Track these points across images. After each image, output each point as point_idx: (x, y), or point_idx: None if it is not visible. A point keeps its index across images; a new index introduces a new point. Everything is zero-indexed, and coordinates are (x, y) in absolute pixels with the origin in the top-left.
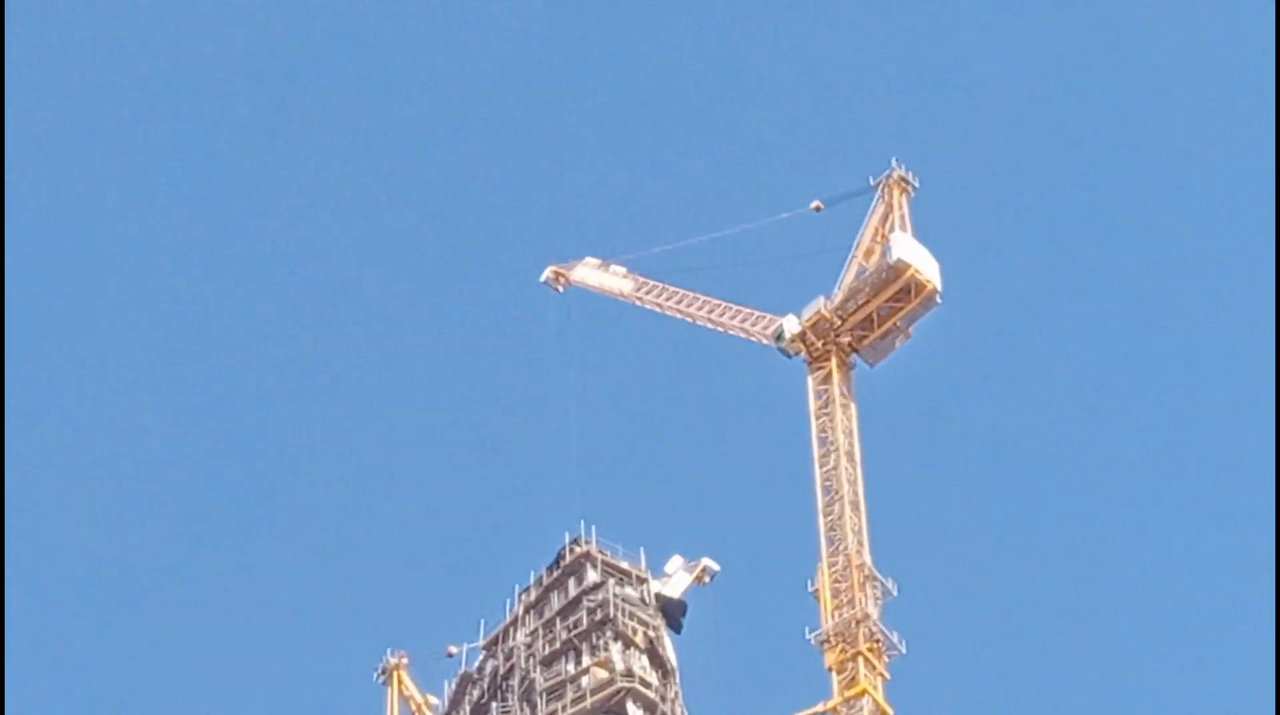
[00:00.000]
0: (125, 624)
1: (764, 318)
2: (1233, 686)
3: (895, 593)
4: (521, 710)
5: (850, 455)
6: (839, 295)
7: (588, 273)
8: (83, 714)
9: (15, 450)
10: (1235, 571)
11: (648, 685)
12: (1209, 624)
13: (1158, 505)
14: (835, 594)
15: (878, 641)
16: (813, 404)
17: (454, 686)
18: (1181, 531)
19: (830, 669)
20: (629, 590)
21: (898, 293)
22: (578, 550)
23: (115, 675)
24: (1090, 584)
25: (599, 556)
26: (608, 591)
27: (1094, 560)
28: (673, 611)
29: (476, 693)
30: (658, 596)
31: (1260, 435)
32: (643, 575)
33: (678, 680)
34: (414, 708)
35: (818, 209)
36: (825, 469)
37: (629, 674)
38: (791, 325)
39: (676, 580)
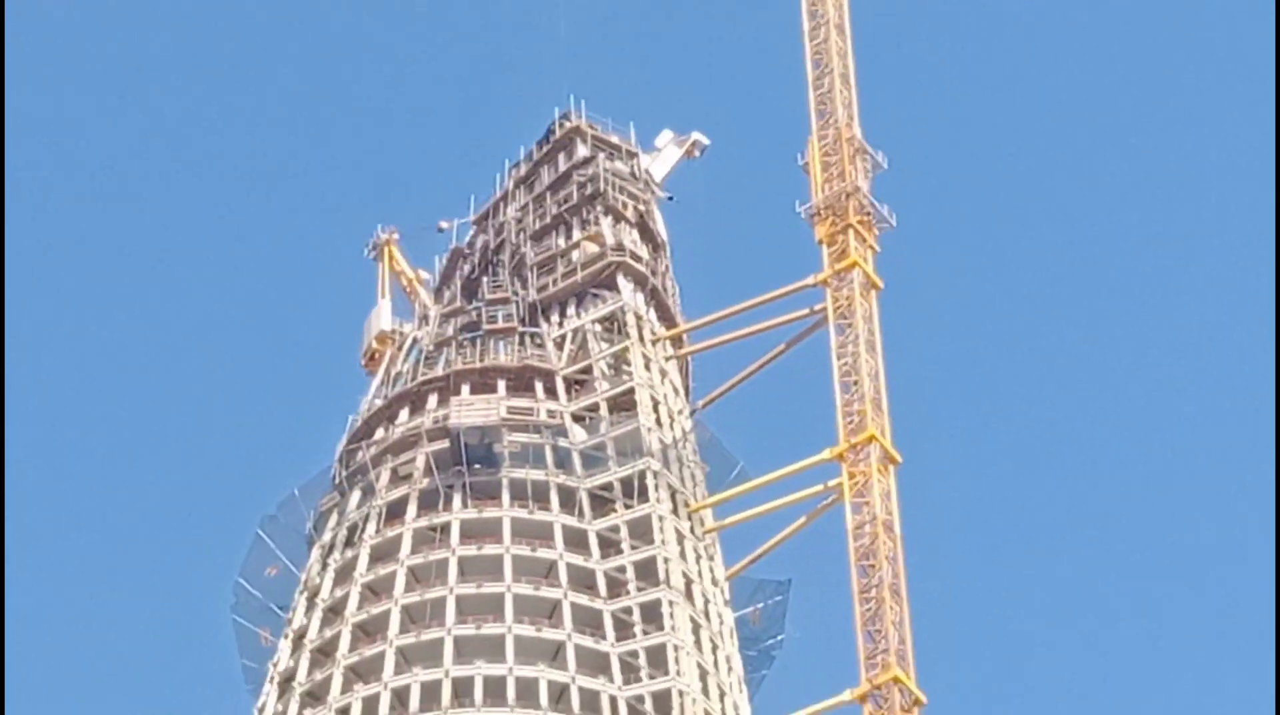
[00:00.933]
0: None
1: None
2: None
3: (885, 166)
4: (513, 284)
5: (840, 29)
6: None
7: None
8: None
9: None
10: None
11: (638, 259)
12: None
13: None
14: (825, 167)
15: (868, 214)
16: None
17: (444, 262)
18: None
19: (820, 242)
20: (619, 164)
21: None
22: (568, 125)
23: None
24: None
25: (589, 131)
26: (598, 166)
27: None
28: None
29: (467, 268)
30: (646, 175)
31: None
32: (633, 149)
33: (669, 254)
34: (405, 283)
35: None
36: (815, 42)
37: (619, 247)
38: None
39: (667, 154)
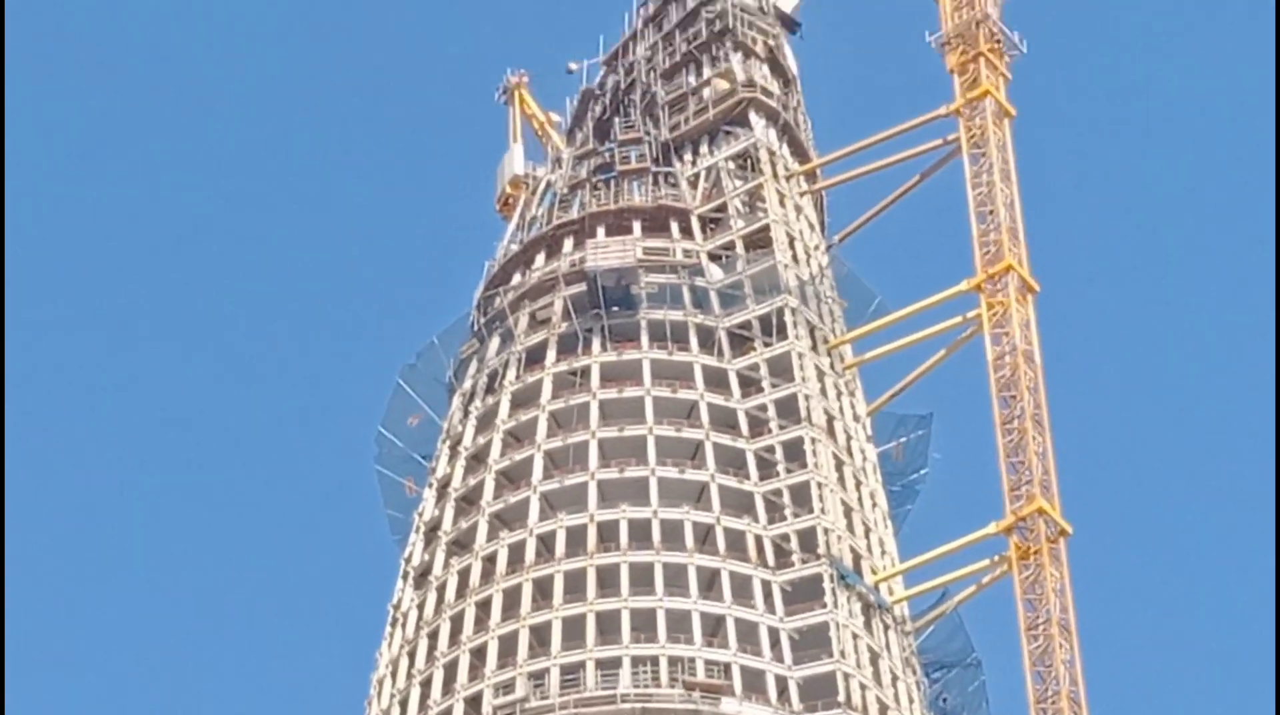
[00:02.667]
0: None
1: None
2: None
3: None
4: (644, 124)
5: None
6: None
7: None
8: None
9: None
10: None
11: (769, 94)
12: None
13: None
14: None
15: (998, 41)
16: None
17: (575, 103)
18: None
19: (951, 71)
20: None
21: None
22: None
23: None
24: None
25: None
26: (725, 1)
27: None
28: (788, 23)
29: (598, 108)
30: (774, 8)
31: None
32: None
33: (799, 88)
34: (536, 126)
35: None
36: None
37: (750, 84)
38: None
39: None
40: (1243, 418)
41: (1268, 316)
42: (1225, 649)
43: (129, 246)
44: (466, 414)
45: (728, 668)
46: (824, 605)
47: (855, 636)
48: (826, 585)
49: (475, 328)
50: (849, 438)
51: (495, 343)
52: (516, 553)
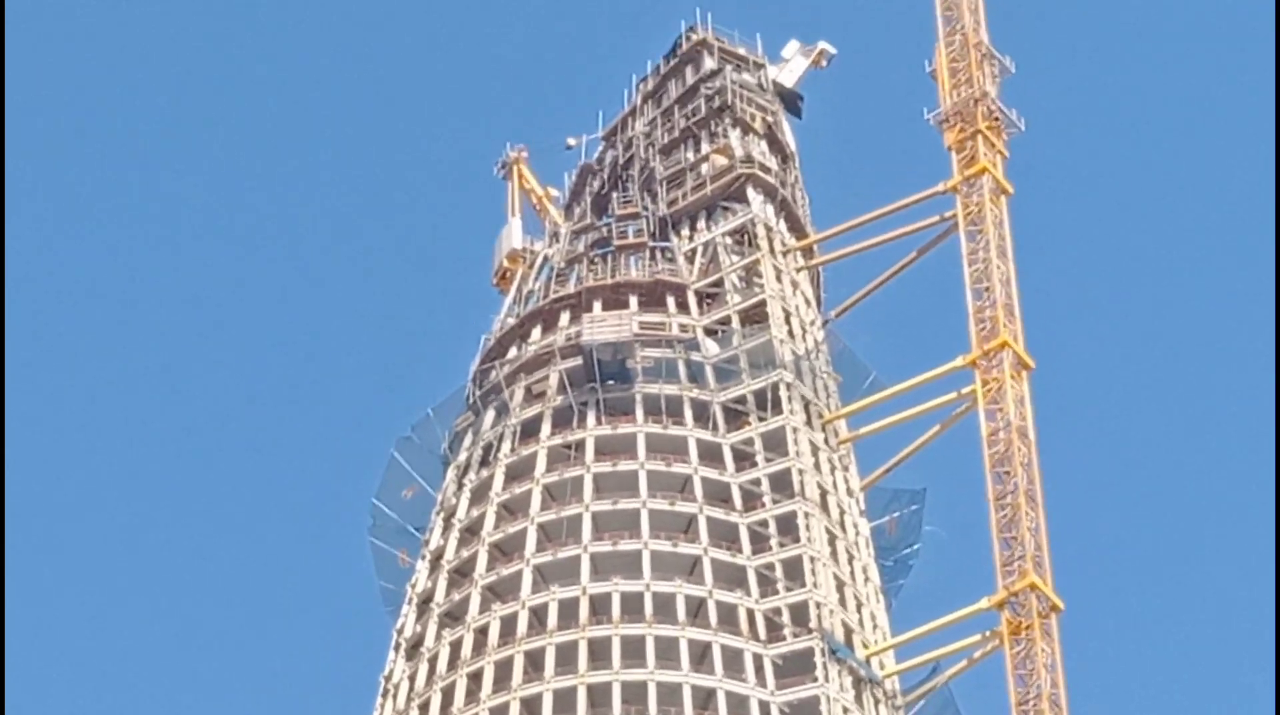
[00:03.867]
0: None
1: None
2: None
3: (1013, 70)
4: (642, 199)
5: None
6: None
7: None
8: None
9: None
10: None
11: (767, 170)
12: None
13: None
14: (953, 73)
15: (996, 119)
16: None
17: (574, 178)
18: None
19: (949, 148)
20: (746, 76)
21: None
22: (694, 38)
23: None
24: None
25: (715, 43)
26: (725, 78)
27: None
28: (789, 99)
29: (596, 184)
30: (775, 84)
31: None
32: (760, 61)
33: (797, 165)
34: (534, 201)
35: None
36: None
37: (748, 159)
38: None
39: (794, 65)
40: (1240, 496)
41: (1267, 394)
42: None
43: (126, 319)
44: (460, 486)
45: None
46: (815, 679)
47: (846, 710)
48: (818, 659)
49: (471, 401)
50: (842, 512)
51: (490, 416)
52: (508, 625)
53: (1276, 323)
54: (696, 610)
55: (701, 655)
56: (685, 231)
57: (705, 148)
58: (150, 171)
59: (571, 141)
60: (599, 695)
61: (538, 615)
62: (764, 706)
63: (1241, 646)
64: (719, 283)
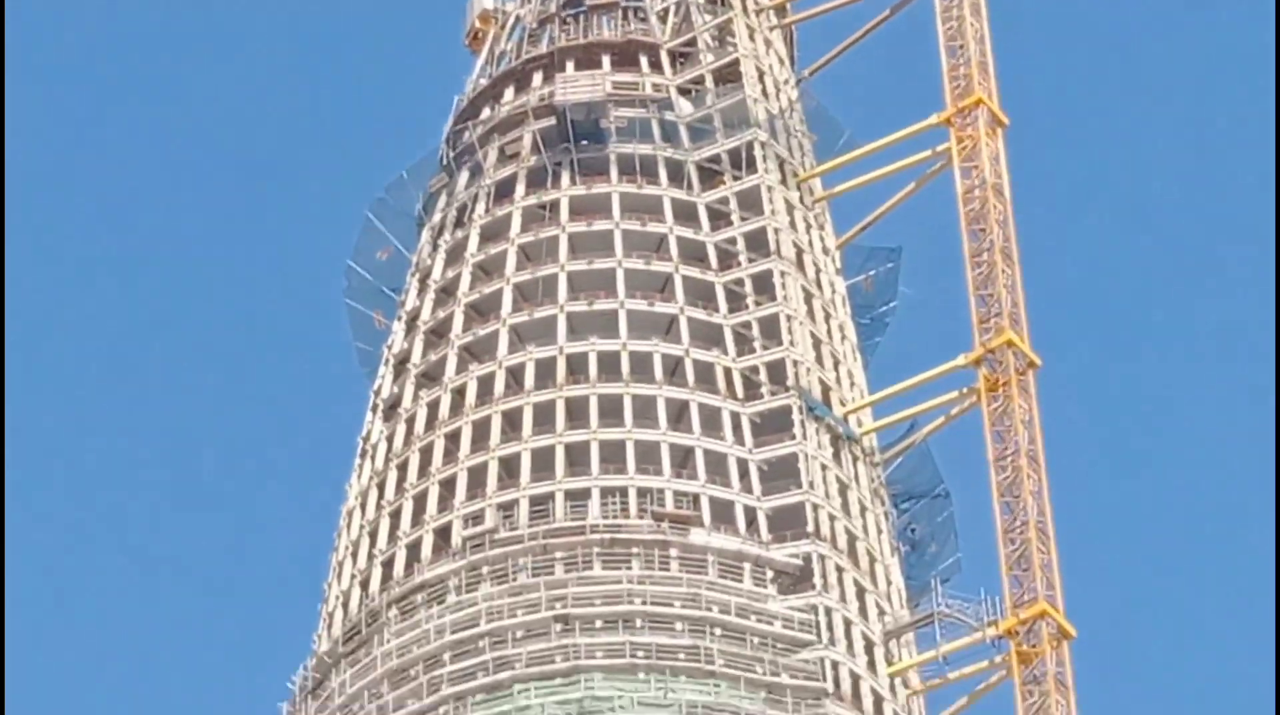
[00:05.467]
0: None
1: None
2: None
3: None
4: None
5: None
6: None
7: None
8: None
9: None
10: None
11: None
12: None
13: None
14: None
15: None
16: None
17: None
18: None
19: None
20: None
21: None
22: None
23: None
24: None
25: None
26: None
27: None
28: None
29: None
30: None
31: None
32: None
33: None
34: None
35: None
36: None
37: None
38: None
39: None
40: (1221, 247)
41: (1266, 133)
42: (1200, 490)
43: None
44: (435, 248)
45: (696, 499)
46: (793, 436)
47: (824, 468)
48: (795, 417)
49: (444, 162)
50: (818, 271)
51: (464, 177)
52: (485, 385)
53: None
54: (673, 369)
55: (679, 414)
56: None
57: None
58: None
59: None
60: (576, 454)
61: (515, 375)
62: (742, 464)
63: (1227, 392)
64: (692, 42)
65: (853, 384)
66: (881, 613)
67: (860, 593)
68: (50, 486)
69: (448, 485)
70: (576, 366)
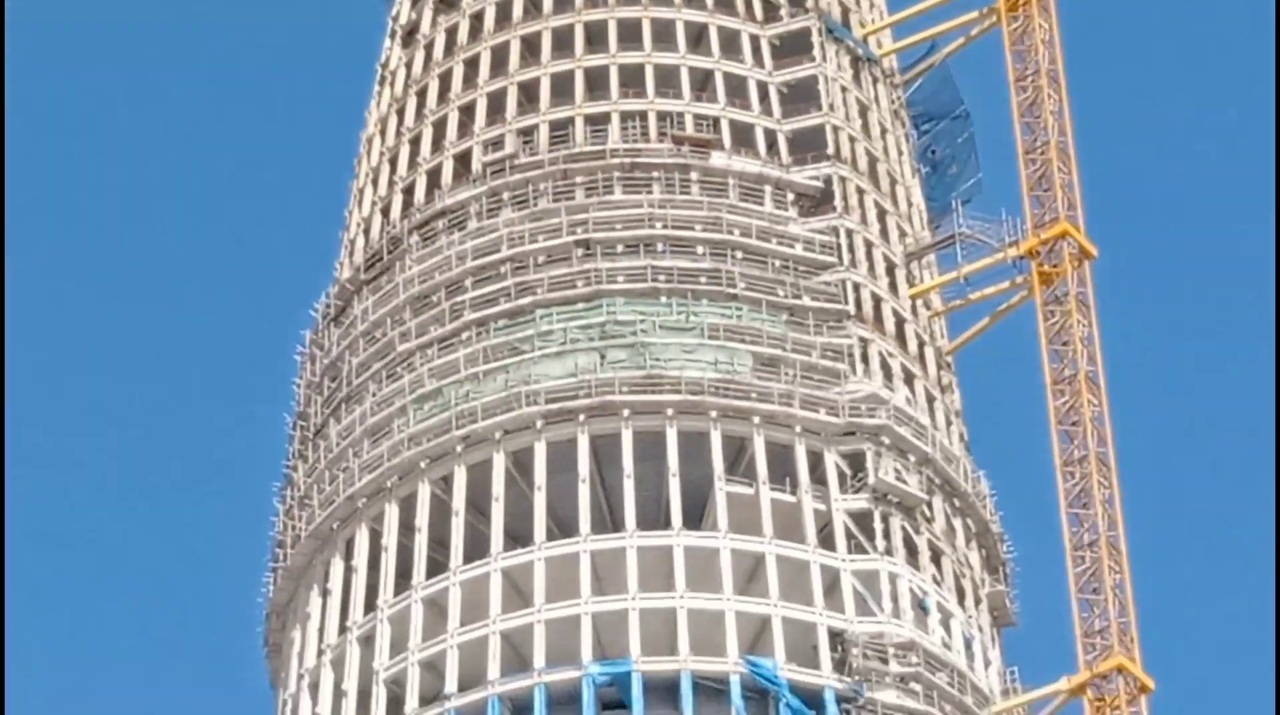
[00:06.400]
0: None
1: None
2: None
3: None
4: None
5: None
6: None
7: None
8: None
9: None
10: None
11: None
12: None
13: None
14: None
15: None
16: None
17: None
18: None
19: None
20: None
21: None
22: None
23: None
24: None
25: None
26: None
27: None
28: None
29: None
30: None
31: None
32: None
33: None
34: None
35: None
36: None
37: None
38: None
39: None
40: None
41: None
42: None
43: None
44: None
45: (716, 122)
46: (812, 59)
47: (844, 89)
48: (815, 39)
49: None
50: None
51: None
52: (504, 10)
53: None
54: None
55: (698, 37)
56: None
57: None
58: None
59: None
60: (595, 78)
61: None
62: (762, 86)
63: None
64: None
65: (872, 5)
66: (903, 234)
67: (881, 214)
68: None
69: (467, 111)
70: (596, 35)
